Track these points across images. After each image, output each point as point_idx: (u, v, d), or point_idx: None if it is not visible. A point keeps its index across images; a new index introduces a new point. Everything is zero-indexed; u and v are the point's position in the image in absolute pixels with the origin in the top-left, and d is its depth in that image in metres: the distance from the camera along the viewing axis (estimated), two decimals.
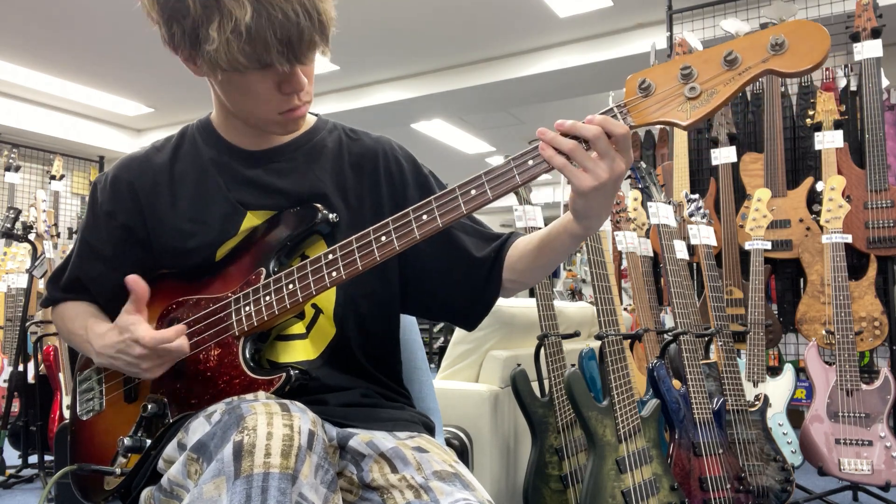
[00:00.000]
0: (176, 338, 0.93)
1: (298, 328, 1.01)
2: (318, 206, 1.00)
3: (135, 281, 0.95)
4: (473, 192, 0.86)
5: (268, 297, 0.94)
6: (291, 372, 0.91)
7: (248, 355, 0.95)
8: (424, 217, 0.87)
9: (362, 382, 1.04)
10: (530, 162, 0.85)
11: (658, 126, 2.66)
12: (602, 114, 0.84)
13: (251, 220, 1.02)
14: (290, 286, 0.93)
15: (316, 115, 1.13)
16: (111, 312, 1.06)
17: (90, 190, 1.10)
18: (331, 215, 1.00)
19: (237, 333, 0.95)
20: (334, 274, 0.91)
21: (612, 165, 0.83)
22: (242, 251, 1.01)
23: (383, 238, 0.89)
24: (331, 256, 0.92)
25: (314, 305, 1.01)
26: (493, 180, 0.85)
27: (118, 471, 0.98)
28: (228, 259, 1.02)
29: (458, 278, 1.07)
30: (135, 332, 0.92)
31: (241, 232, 1.02)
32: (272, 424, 0.75)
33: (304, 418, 0.77)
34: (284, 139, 1.06)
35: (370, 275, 0.99)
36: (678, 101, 0.82)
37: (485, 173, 0.86)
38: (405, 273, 1.09)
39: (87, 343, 1.02)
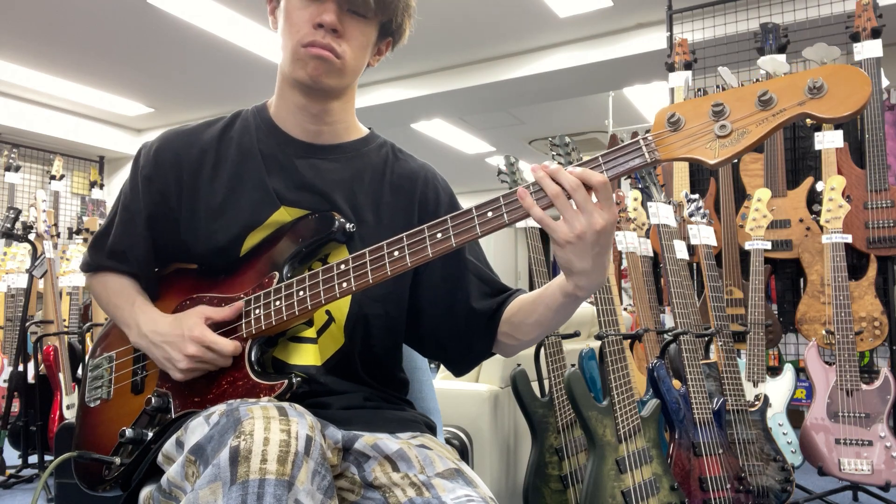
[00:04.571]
0: (238, 352, 0.96)
1: (310, 332, 1.01)
2: (336, 214, 1.00)
3: (239, 308, 0.97)
4: (490, 214, 0.85)
5: (278, 302, 0.94)
6: (293, 379, 0.92)
7: (253, 358, 0.95)
8: (439, 235, 0.86)
9: (365, 388, 1.05)
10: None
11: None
12: (626, 146, 0.82)
13: (282, 215, 1.02)
14: (301, 293, 0.93)
15: (369, 128, 1.14)
16: (142, 281, 1.09)
17: (134, 157, 1.11)
18: (348, 225, 1.00)
19: (245, 335, 0.96)
20: (345, 285, 0.91)
21: (591, 220, 0.81)
22: (262, 251, 1.01)
23: (396, 253, 0.88)
24: (343, 267, 0.91)
25: (328, 312, 1.01)
26: (511, 204, 0.84)
27: (118, 460, 0.99)
28: (248, 257, 1.02)
29: (456, 323, 1.07)
30: (206, 336, 0.94)
31: (268, 224, 1.02)
32: (269, 429, 0.74)
33: (301, 423, 0.77)
34: (334, 137, 1.07)
35: (385, 297, 1.02)
36: (707, 138, 0.79)
37: (503, 196, 0.85)
38: (412, 303, 1.09)
39: (131, 319, 1.03)
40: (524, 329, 1.02)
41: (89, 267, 1.14)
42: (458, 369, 1.12)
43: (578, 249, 0.83)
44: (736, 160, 2.97)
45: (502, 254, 10.54)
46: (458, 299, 1.06)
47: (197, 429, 0.81)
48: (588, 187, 0.82)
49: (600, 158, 0.83)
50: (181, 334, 0.95)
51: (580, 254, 0.84)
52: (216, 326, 0.98)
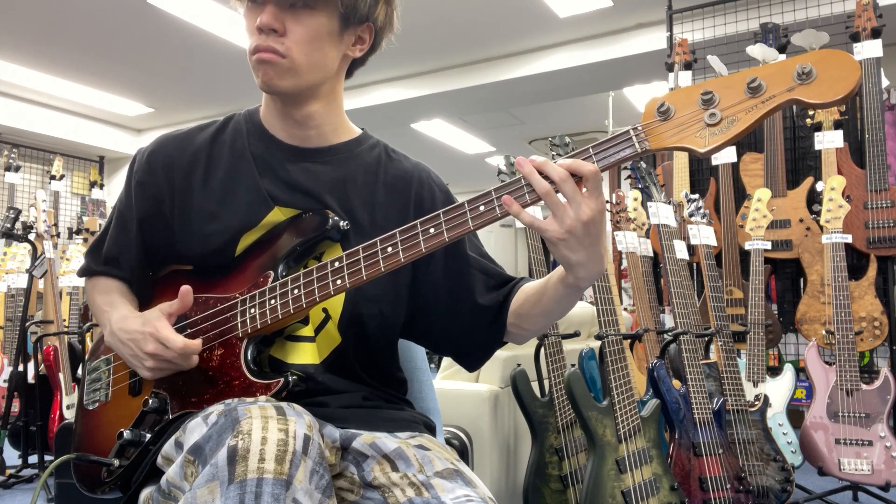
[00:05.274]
0: (196, 350, 0.95)
1: (307, 330, 1.01)
2: (329, 212, 1.00)
3: (187, 292, 0.97)
4: (482, 207, 0.85)
5: (273, 301, 0.94)
6: (289, 378, 0.92)
7: (249, 357, 0.95)
8: (431, 230, 0.86)
9: (364, 388, 1.05)
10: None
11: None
12: (616, 136, 0.82)
13: (276, 216, 1.02)
14: (296, 291, 0.93)
15: (362, 129, 1.13)
16: (135, 286, 1.10)
17: (130, 162, 1.11)
18: (342, 222, 1.00)
19: (240, 335, 0.96)
20: (339, 282, 0.91)
21: (578, 212, 0.81)
22: (257, 251, 1.02)
23: (389, 249, 0.88)
24: (337, 264, 0.91)
25: (324, 310, 1.01)
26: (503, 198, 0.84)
27: (116, 462, 0.99)
28: (243, 258, 1.02)
29: (463, 319, 1.06)
30: (160, 331, 0.94)
31: (263, 225, 1.02)
32: (267, 429, 0.74)
33: (300, 422, 0.77)
34: (323, 140, 1.07)
35: (380, 296, 1.01)
36: (697, 126, 0.79)
37: (495, 189, 0.85)
38: (415, 302, 1.08)
39: (106, 318, 1.03)
40: (531, 320, 1.03)
41: (85, 272, 1.14)
42: (470, 364, 1.12)
43: (571, 244, 0.83)
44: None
45: (502, 253, 10.54)
46: (463, 296, 1.06)
47: (195, 429, 0.81)
48: (578, 178, 0.82)
49: (591, 150, 0.83)
50: (143, 331, 0.95)
51: (573, 248, 0.84)
52: (203, 322, 0.98)
